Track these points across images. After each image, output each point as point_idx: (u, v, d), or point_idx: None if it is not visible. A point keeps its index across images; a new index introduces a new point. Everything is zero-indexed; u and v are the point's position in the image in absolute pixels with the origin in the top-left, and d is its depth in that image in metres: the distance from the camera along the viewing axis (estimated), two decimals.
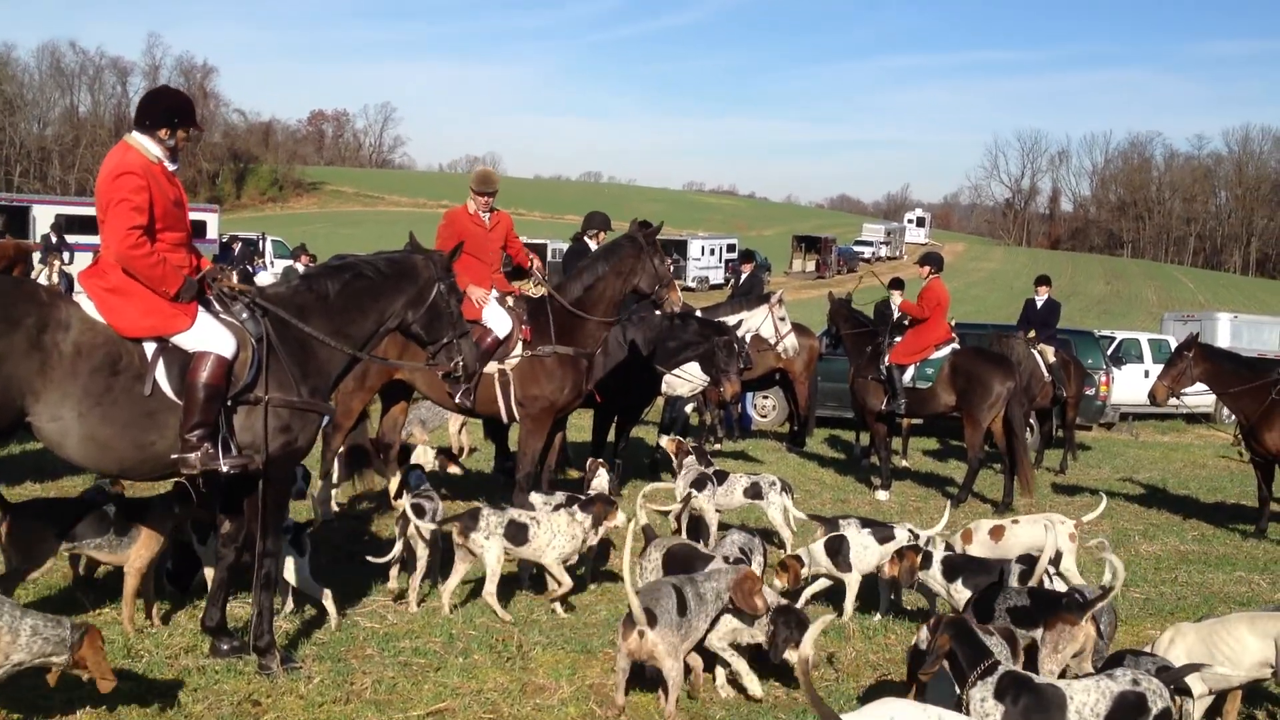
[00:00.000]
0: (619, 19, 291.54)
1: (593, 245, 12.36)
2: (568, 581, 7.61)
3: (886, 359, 13.29)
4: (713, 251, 60.15)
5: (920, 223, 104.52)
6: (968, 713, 4.68)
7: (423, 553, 7.70)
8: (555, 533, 7.59)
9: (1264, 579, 9.85)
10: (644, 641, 5.63)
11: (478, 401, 9.57)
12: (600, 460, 9.77)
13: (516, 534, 7.49)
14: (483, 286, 9.62)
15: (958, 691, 4.83)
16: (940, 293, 13.49)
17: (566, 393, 9.60)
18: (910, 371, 13.19)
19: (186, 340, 6.00)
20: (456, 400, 9.39)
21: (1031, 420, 16.28)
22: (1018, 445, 12.91)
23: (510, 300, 9.73)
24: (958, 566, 7.14)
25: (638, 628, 5.66)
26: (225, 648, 6.39)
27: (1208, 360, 12.12)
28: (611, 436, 12.29)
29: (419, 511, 7.69)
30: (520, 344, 9.52)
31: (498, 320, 9.50)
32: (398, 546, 7.76)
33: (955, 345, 13.35)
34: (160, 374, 5.98)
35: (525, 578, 8.21)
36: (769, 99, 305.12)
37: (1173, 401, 12.53)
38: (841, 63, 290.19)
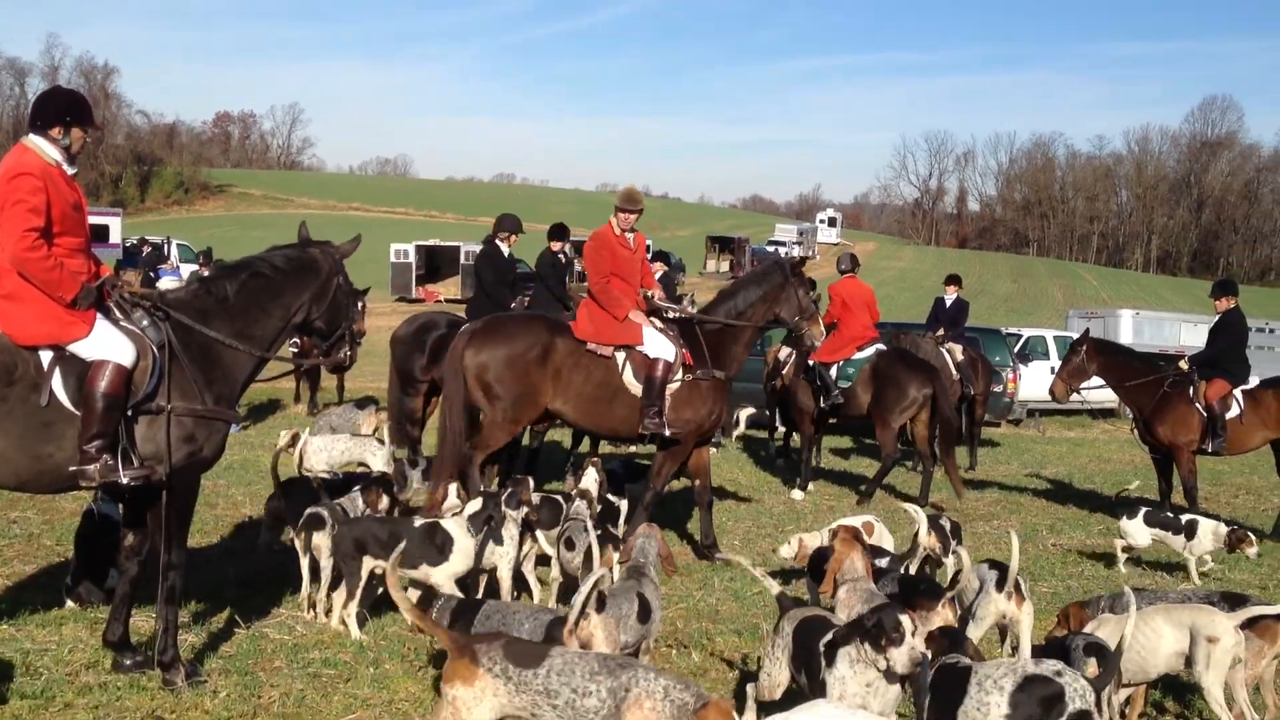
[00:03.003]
0: (530, 20, 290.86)
1: (504, 248, 12.28)
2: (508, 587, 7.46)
3: (809, 359, 13.43)
4: None
5: (832, 222, 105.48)
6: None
7: (326, 563, 7.46)
8: (497, 539, 7.39)
9: (1167, 570, 10.06)
10: (585, 624, 5.57)
11: (615, 426, 9.63)
12: (594, 460, 9.63)
13: None
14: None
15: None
16: (845, 292, 13.61)
17: (715, 416, 9.78)
18: (834, 371, 13.30)
19: (84, 348, 5.86)
20: (646, 428, 9.39)
21: None
22: (946, 450, 12.95)
23: (659, 322, 9.71)
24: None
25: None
26: (128, 663, 6.23)
27: (1101, 354, 12.40)
28: (526, 439, 12.22)
29: (318, 522, 7.49)
30: (682, 368, 9.53)
31: (661, 347, 9.47)
32: (304, 561, 7.57)
33: (880, 347, 13.49)
34: (57, 384, 5.84)
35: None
36: (681, 100, 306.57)
37: (1075, 398, 12.78)
38: (752, 64, 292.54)
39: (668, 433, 9.44)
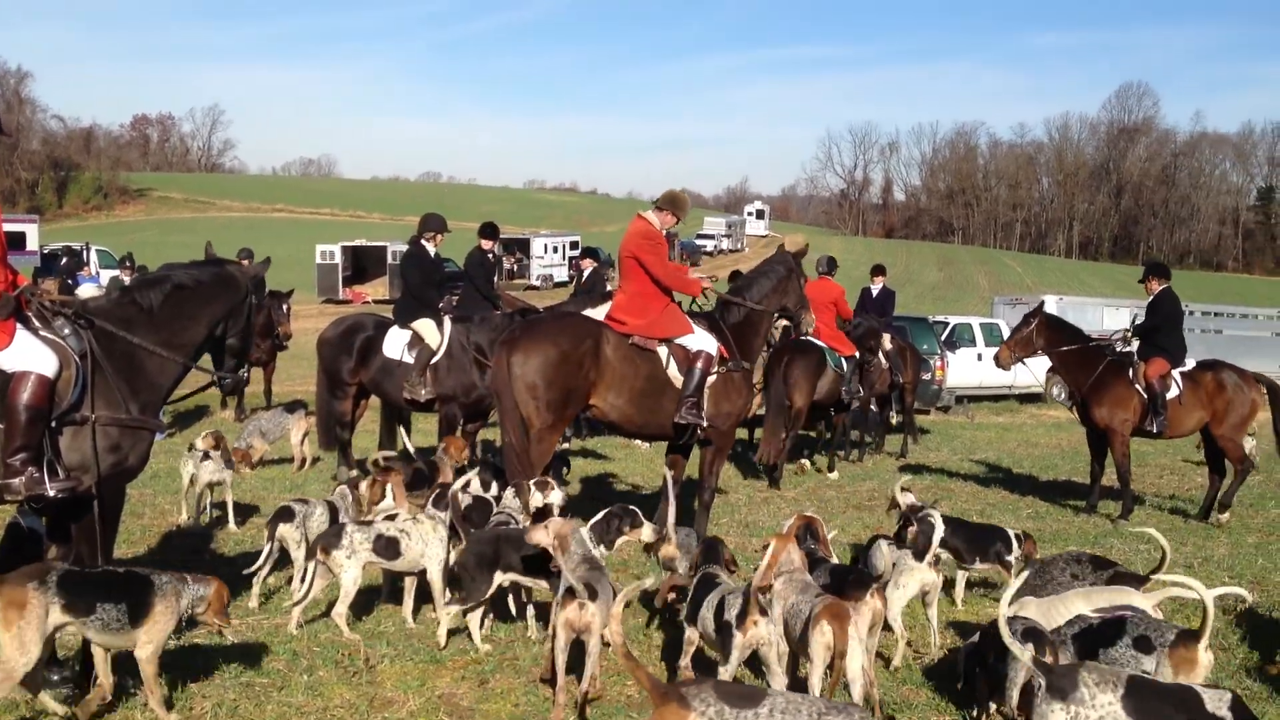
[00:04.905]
0: (453, 18, 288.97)
1: (430, 248, 12.21)
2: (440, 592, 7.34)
3: None
4: (556, 249, 59.94)
5: (760, 215, 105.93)
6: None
7: (297, 555, 7.64)
8: (426, 541, 7.31)
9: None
10: (583, 613, 5.76)
11: (664, 421, 9.44)
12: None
13: (388, 549, 7.20)
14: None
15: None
16: (811, 293, 13.84)
17: (749, 405, 10.05)
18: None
19: (4, 360, 5.76)
20: (683, 418, 9.26)
21: (872, 406, 16.72)
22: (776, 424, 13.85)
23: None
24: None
25: (578, 600, 5.78)
26: (55, 678, 6.11)
27: (1050, 330, 12.54)
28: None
29: (287, 515, 7.67)
30: (718, 361, 9.53)
31: (703, 340, 9.45)
32: (266, 549, 7.70)
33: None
34: None
35: (384, 592, 8.03)
36: (608, 96, 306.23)
37: (1006, 379, 13.03)
38: (677, 60, 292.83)
39: (704, 424, 9.40)
